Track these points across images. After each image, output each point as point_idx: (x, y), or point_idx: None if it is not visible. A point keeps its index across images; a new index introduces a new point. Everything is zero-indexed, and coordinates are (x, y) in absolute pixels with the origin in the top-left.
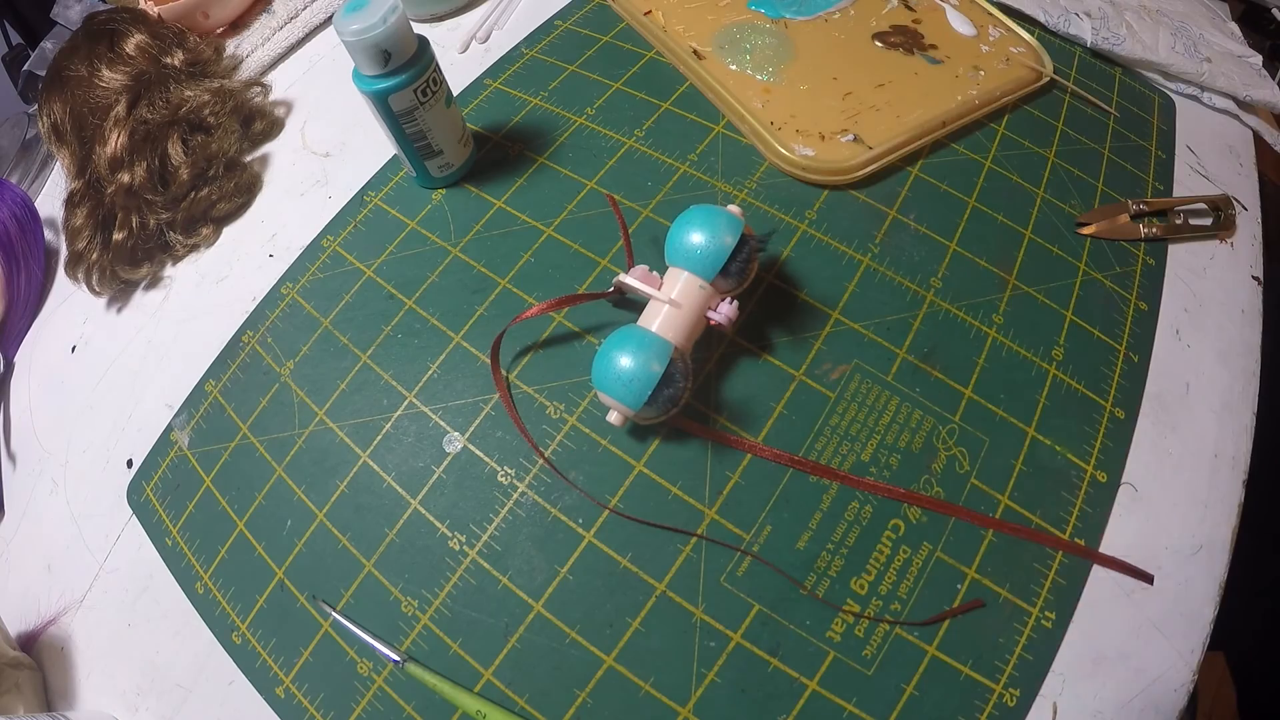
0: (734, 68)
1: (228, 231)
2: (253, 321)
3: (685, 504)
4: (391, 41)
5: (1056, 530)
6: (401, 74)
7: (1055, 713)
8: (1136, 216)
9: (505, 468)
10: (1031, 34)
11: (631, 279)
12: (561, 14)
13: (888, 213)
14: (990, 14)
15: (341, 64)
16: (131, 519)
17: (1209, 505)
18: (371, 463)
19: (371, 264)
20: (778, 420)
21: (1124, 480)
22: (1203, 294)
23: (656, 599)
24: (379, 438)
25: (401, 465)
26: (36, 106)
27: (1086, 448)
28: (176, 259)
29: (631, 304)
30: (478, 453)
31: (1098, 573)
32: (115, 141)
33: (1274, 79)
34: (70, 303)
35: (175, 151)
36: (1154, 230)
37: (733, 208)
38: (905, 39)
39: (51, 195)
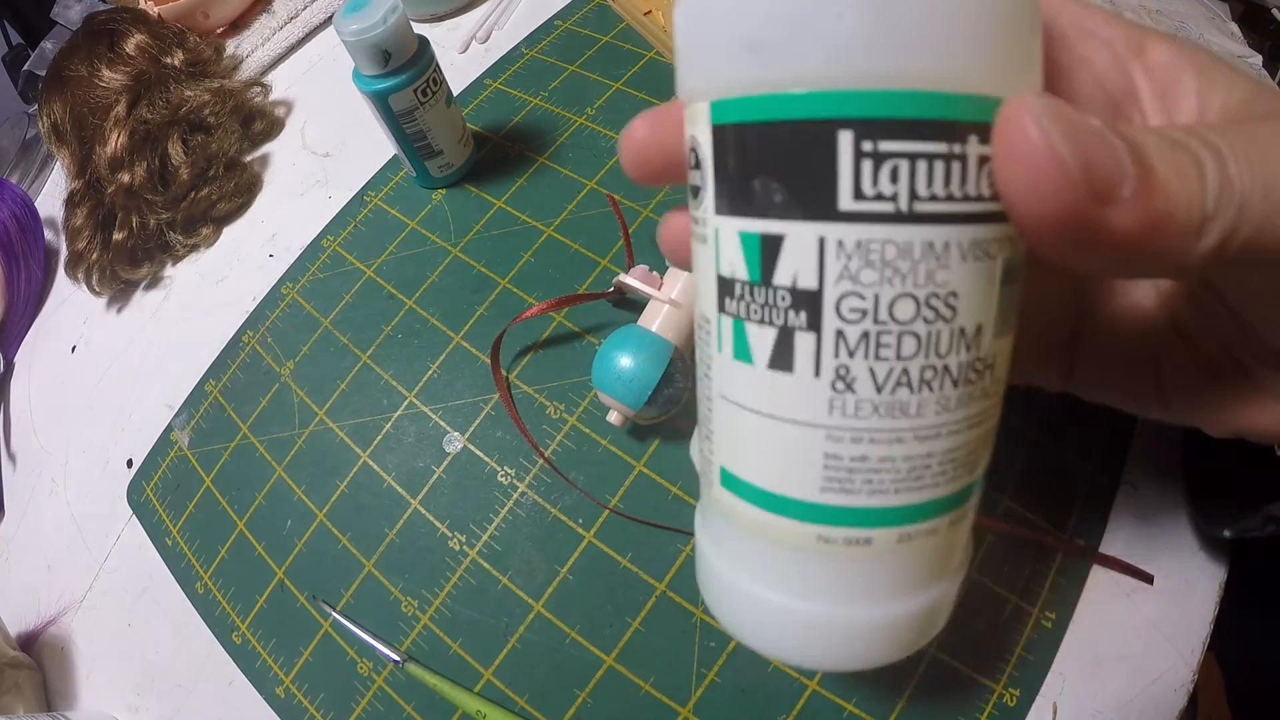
0: None
1: (228, 231)
2: (253, 321)
3: (685, 504)
4: (391, 41)
5: (1056, 530)
6: (401, 74)
7: (1055, 713)
8: None
9: (505, 468)
10: None
11: (631, 279)
12: (561, 14)
13: None
14: None
15: (341, 64)
16: (131, 519)
17: None
18: (371, 463)
19: (371, 264)
20: None
21: (1124, 480)
22: None
23: (656, 599)
24: (379, 438)
25: (401, 465)
26: (36, 106)
27: (1088, 446)
28: (176, 259)
29: (631, 304)
30: (478, 453)
31: (1098, 573)
32: (115, 141)
33: (1274, 79)
34: (70, 303)
35: (175, 151)
36: None
37: None
38: None
39: (51, 195)
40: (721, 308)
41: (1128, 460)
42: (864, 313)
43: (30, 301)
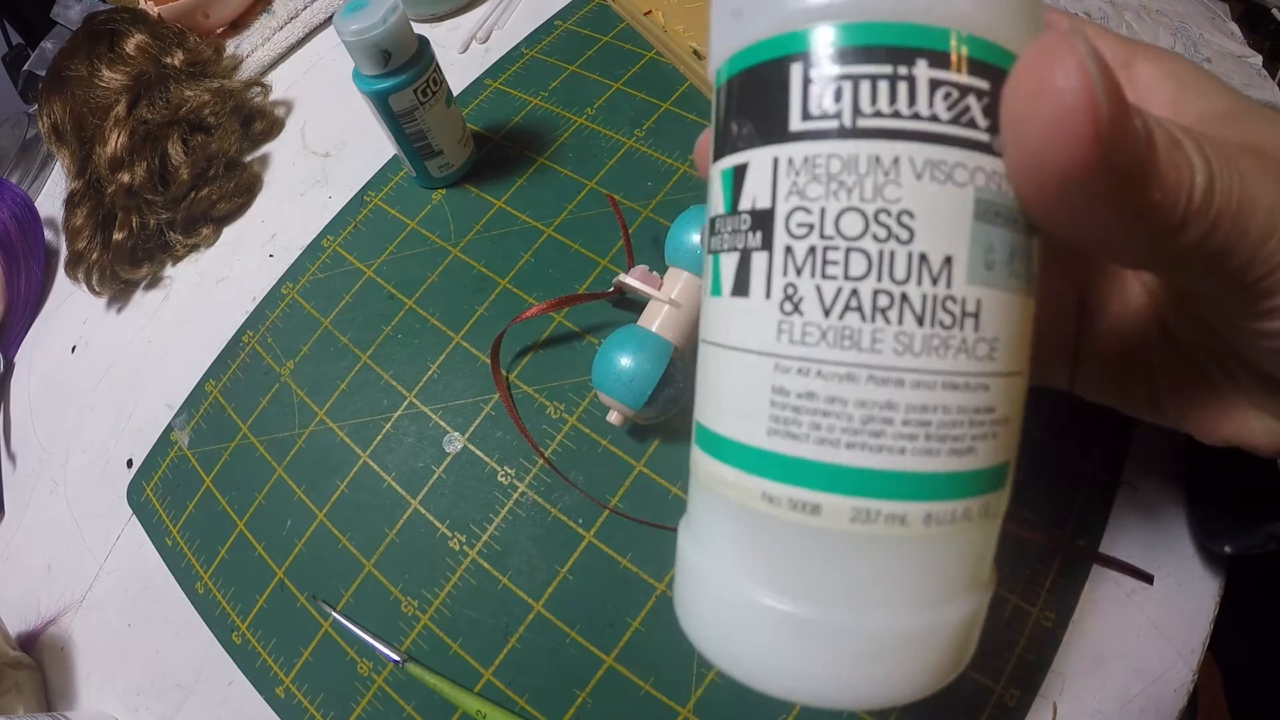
0: None
1: (228, 231)
2: (253, 321)
3: (685, 504)
4: (391, 41)
5: (1056, 530)
6: (401, 74)
7: (1055, 713)
8: None
9: (505, 468)
10: None
11: (631, 279)
12: (561, 14)
13: None
14: None
15: (341, 64)
16: (131, 519)
17: None
18: (371, 463)
19: (371, 264)
20: None
21: (1124, 480)
22: None
23: (656, 599)
24: (379, 438)
25: (401, 465)
26: (36, 106)
27: (1088, 446)
28: (176, 259)
29: (631, 304)
30: (478, 453)
31: (1098, 573)
32: (115, 141)
33: (1274, 79)
34: (70, 303)
35: (175, 151)
36: None
37: None
38: None
39: (51, 195)
40: (708, 248)
41: (1128, 460)
42: (810, 227)
43: (30, 301)
